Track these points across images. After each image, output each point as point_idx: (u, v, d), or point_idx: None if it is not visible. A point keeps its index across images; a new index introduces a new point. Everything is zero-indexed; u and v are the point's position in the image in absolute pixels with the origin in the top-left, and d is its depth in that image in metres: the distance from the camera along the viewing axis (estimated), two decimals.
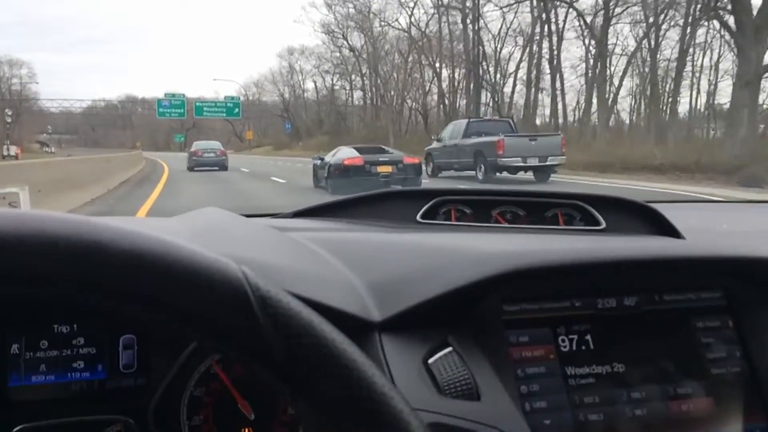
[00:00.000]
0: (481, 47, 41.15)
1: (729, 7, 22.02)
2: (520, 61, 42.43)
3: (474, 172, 17.20)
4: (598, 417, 0.75)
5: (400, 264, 0.85)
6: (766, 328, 0.86)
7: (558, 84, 37.17)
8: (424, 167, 15.75)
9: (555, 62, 37.06)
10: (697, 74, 36.64)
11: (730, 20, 22.43)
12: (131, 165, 25.99)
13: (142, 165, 31.09)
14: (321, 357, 0.45)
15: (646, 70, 35.08)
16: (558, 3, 35.28)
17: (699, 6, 28.02)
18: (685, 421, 0.78)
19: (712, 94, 36.33)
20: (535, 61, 39.51)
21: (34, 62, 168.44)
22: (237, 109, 66.97)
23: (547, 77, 38.66)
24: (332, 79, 70.96)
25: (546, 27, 36.84)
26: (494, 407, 0.68)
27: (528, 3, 37.21)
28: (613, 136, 30.95)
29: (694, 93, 37.18)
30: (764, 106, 27.77)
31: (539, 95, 39.97)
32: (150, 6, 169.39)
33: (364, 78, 58.96)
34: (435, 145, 19.43)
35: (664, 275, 0.86)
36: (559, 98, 37.24)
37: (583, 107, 36.50)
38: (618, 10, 33.81)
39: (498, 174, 16.66)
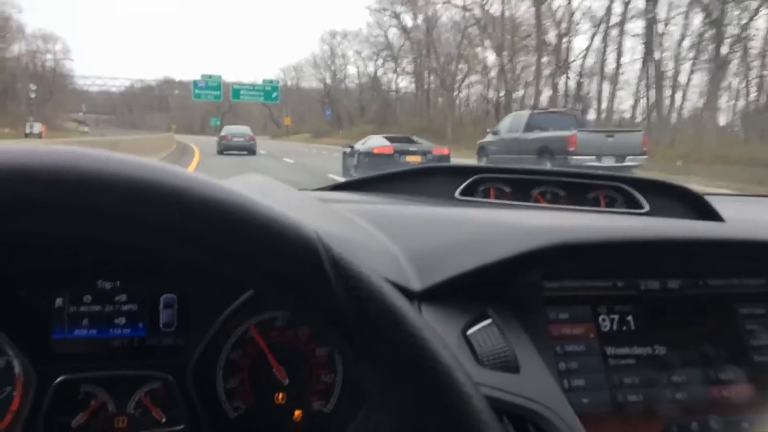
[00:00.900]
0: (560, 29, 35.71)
1: None
2: (588, 49, 37.01)
3: None
4: (638, 398, 0.74)
5: (441, 235, 0.84)
6: None
7: (652, 71, 31.58)
8: (477, 162, 14.89)
9: (648, 46, 31.50)
10: None
11: None
12: (159, 149, 24.97)
13: (170, 149, 29.96)
14: (389, 322, 0.45)
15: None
16: None
17: None
18: (726, 407, 0.76)
19: None
20: (616, 47, 34.03)
21: (70, 39, 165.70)
22: (275, 93, 62.57)
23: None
24: (376, 65, 66.04)
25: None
26: (534, 381, 0.66)
27: None
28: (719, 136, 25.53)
29: None
30: None
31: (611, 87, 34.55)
32: None
33: (418, 61, 53.51)
34: (490, 138, 17.01)
35: (708, 259, 0.84)
36: (647, 90, 31.75)
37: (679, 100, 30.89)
38: None
39: None
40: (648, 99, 32.53)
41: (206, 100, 64.76)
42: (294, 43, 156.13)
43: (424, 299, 0.70)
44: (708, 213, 1.26)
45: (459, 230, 0.87)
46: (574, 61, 37.88)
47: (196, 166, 18.91)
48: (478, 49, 45.67)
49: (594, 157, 13.76)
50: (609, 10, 34.17)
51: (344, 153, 15.14)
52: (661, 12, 31.85)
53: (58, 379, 0.76)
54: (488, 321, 0.68)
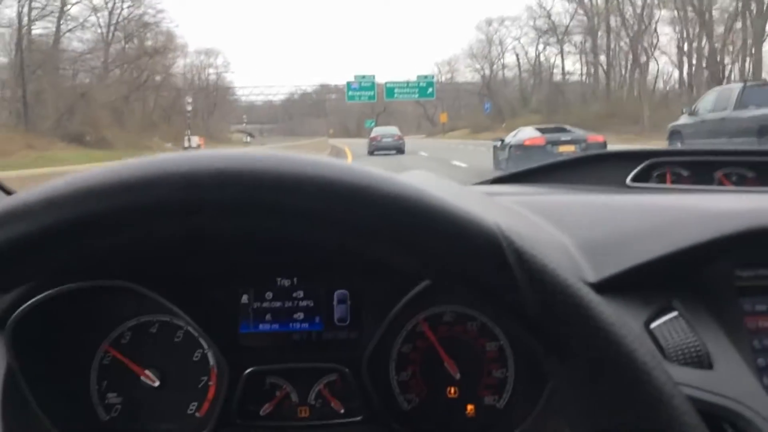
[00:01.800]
0: None
1: None
2: None
3: None
4: None
5: (614, 224, 0.79)
6: None
7: None
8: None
9: None
10: None
11: None
12: (314, 153, 24.22)
13: (325, 152, 28.18)
14: (577, 316, 0.43)
15: None
16: None
17: None
18: None
19: None
20: None
21: (230, 53, 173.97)
22: (431, 89, 58.42)
23: None
24: (537, 50, 59.58)
25: None
26: (730, 378, 0.61)
27: None
28: None
29: None
30: None
31: None
32: None
33: (599, 34, 46.56)
34: (685, 120, 14.54)
35: None
36: None
37: None
38: None
39: None
40: None
41: (360, 101, 62.10)
42: (447, 36, 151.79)
43: (602, 291, 0.63)
44: None
45: (634, 218, 0.81)
46: None
47: None
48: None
49: None
50: None
51: (494, 147, 14.66)
52: None
53: (248, 371, 0.81)
54: (674, 313, 0.63)
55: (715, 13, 33.43)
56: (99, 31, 44.49)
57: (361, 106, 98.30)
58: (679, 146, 13.61)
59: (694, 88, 29.59)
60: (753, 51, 30.90)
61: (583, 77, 50.80)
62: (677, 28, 38.21)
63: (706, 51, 34.28)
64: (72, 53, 39.66)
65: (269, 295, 0.85)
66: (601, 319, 0.43)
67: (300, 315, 0.85)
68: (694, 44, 35.32)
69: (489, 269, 0.43)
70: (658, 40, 39.46)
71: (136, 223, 0.41)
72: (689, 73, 34.61)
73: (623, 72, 44.91)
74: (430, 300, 0.82)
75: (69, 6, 39.56)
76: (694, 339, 0.60)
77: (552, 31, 55.57)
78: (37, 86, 33.09)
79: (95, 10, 43.14)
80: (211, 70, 71.56)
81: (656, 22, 38.97)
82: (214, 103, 70.80)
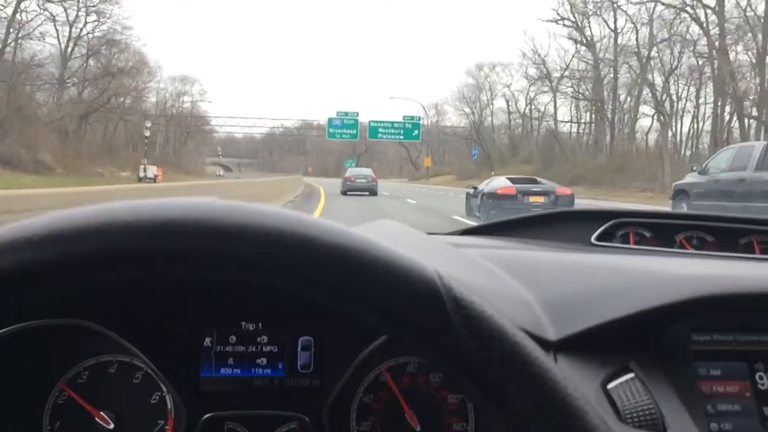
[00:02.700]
0: None
1: None
2: None
3: None
4: None
5: (578, 283, 0.79)
6: None
7: None
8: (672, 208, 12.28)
9: None
10: None
11: None
12: (283, 192, 23.35)
13: (295, 193, 26.08)
14: (514, 362, 0.44)
15: None
16: None
17: None
18: None
19: None
20: None
21: (212, 84, 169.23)
22: (416, 131, 54.48)
23: None
24: (527, 98, 56.13)
25: None
26: None
27: None
28: None
29: None
30: None
31: None
32: (331, 29, 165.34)
33: (601, 81, 42.83)
34: (692, 178, 13.13)
35: None
36: None
37: None
38: None
39: None
40: None
41: (342, 139, 57.73)
42: (434, 80, 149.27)
43: (561, 349, 0.65)
44: None
45: (597, 278, 0.81)
46: None
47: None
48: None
49: None
50: None
51: (467, 194, 15.09)
52: None
53: (206, 416, 0.78)
54: (631, 375, 0.63)
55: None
56: (57, 44, 39.79)
57: (342, 145, 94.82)
58: (684, 208, 12.57)
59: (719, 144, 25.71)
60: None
61: (582, 127, 47.02)
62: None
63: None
64: (19, 65, 34.68)
65: (233, 338, 0.82)
66: (537, 365, 0.44)
67: (263, 360, 0.82)
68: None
69: (428, 315, 0.44)
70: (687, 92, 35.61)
71: (75, 273, 0.41)
72: (714, 129, 30.73)
73: (628, 122, 41.20)
74: (394, 349, 0.80)
75: (21, 12, 34.91)
76: (649, 401, 0.60)
77: (546, 78, 52.15)
78: None
79: (54, 20, 38.50)
80: (186, 98, 66.71)
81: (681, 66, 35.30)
82: (187, 132, 65.71)
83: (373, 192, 27.26)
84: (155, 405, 0.81)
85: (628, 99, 40.74)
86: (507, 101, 59.70)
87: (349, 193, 27.13)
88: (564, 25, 43.37)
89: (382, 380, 0.81)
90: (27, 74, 35.39)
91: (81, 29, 41.38)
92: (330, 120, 53.93)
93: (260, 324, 0.83)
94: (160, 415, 0.81)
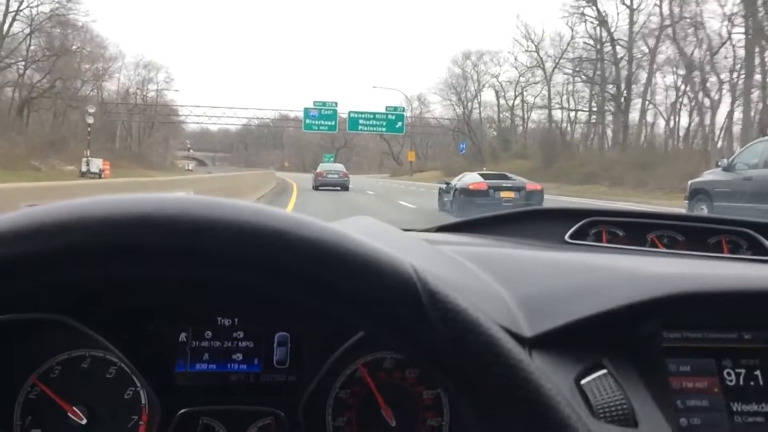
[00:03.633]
0: None
1: None
2: None
3: None
4: None
5: (552, 280, 0.80)
6: None
7: None
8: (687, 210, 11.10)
9: None
10: None
11: None
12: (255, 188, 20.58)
13: (265, 190, 22.86)
14: (488, 355, 0.44)
15: None
16: None
17: None
18: None
19: None
20: None
21: (182, 73, 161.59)
22: (400, 123, 49.62)
23: None
24: (517, 89, 51.58)
25: None
26: None
27: None
28: None
29: None
30: None
31: None
32: (308, 15, 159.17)
33: (621, 64, 38.00)
34: (714, 176, 11.21)
35: None
36: None
37: None
38: None
39: None
40: None
41: (319, 131, 52.53)
42: (418, 69, 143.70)
43: (535, 346, 0.66)
44: None
45: (570, 275, 0.82)
46: None
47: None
48: None
49: None
50: None
51: (440, 189, 15.20)
52: None
53: (180, 411, 0.78)
54: (603, 371, 0.64)
55: None
56: None
57: (320, 138, 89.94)
58: (704, 210, 10.75)
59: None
60: None
61: (591, 117, 42.21)
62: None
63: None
64: None
65: (208, 334, 0.81)
66: (511, 357, 0.44)
67: (239, 356, 0.81)
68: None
69: (403, 309, 0.44)
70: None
71: (45, 269, 0.41)
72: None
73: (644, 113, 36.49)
74: (371, 345, 0.80)
75: None
76: (621, 397, 0.61)
77: (539, 66, 47.60)
78: None
79: None
80: (151, 86, 60.84)
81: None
82: (152, 123, 59.87)
83: (344, 187, 27.02)
84: (129, 400, 0.80)
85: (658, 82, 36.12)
86: (496, 92, 55.10)
87: (321, 188, 26.55)
88: None
89: (359, 375, 0.81)
90: None
91: (21, 2, 35.67)
92: (306, 110, 48.78)
93: (236, 319, 0.81)
94: (134, 411, 0.80)
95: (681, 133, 34.62)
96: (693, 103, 32.37)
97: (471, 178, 13.90)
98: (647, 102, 35.71)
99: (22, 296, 0.45)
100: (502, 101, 55.00)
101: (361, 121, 49.49)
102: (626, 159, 29.02)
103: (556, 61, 44.00)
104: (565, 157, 34.76)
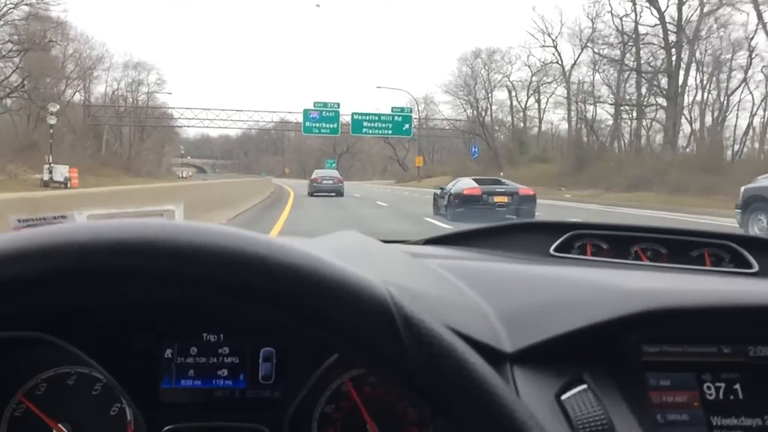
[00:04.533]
0: None
1: None
2: None
3: None
4: None
5: (535, 295, 0.80)
6: None
7: None
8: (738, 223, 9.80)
9: None
10: None
11: None
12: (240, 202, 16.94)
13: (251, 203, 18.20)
14: (463, 380, 0.44)
15: None
16: None
17: None
18: None
19: None
20: None
21: (175, 76, 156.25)
22: (407, 125, 45.29)
23: None
24: (530, 89, 47.22)
25: None
26: None
27: None
28: None
29: None
30: None
31: None
32: (309, 16, 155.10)
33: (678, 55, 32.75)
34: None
35: None
36: None
37: None
38: None
39: None
40: None
41: (320, 134, 48.03)
42: (420, 73, 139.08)
43: (516, 361, 0.66)
44: None
45: (553, 290, 0.82)
46: None
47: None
48: None
49: None
50: None
51: (435, 194, 15.31)
52: None
53: (166, 428, 0.76)
54: (583, 386, 0.63)
55: None
56: None
57: (321, 143, 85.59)
58: (763, 222, 9.04)
59: None
60: None
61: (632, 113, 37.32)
62: None
63: None
64: None
65: (194, 350, 0.80)
66: (485, 381, 0.44)
67: (224, 372, 0.80)
68: None
69: (378, 334, 0.44)
70: None
71: (27, 293, 0.42)
72: None
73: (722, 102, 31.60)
74: (353, 362, 0.78)
75: None
76: (601, 412, 0.60)
77: (557, 62, 43.15)
78: None
79: None
80: (142, 89, 56.37)
81: None
82: (142, 127, 55.40)
83: (339, 193, 26.68)
84: (114, 417, 0.79)
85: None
86: (509, 91, 50.62)
87: (316, 194, 26.21)
88: None
89: (344, 390, 0.80)
90: None
91: None
92: (306, 112, 44.41)
93: (222, 335, 0.81)
94: (120, 428, 0.79)
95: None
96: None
97: (465, 184, 13.94)
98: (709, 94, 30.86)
99: (4, 316, 0.45)
100: (514, 102, 50.65)
101: (365, 124, 45.09)
102: (691, 161, 24.39)
103: (585, 44, 39.45)
104: (601, 160, 30.20)
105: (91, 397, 0.79)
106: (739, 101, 31.95)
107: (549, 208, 16.81)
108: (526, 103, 50.38)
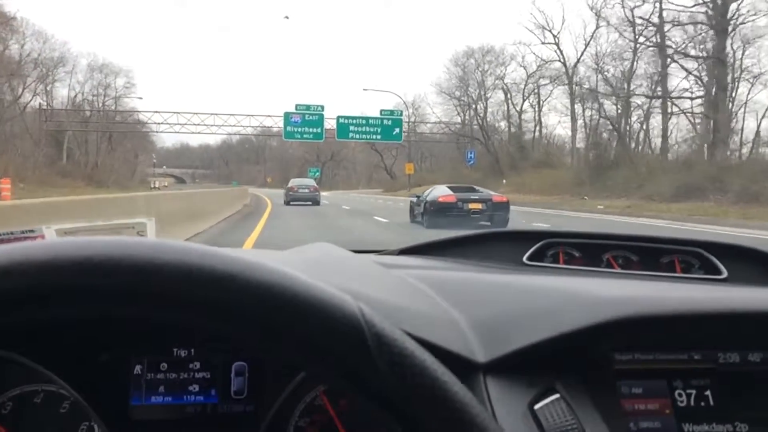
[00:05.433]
0: None
1: None
2: None
3: None
4: None
5: (507, 305, 0.80)
6: None
7: None
8: None
9: None
10: None
11: None
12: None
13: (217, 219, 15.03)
14: (434, 398, 0.44)
15: None
16: None
17: None
18: None
19: None
20: None
21: (147, 81, 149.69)
22: (398, 129, 41.12)
23: None
24: (524, 93, 43.36)
25: None
26: None
27: None
28: None
29: None
30: None
31: None
32: (291, 16, 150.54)
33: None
34: None
35: None
36: None
37: None
38: None
39: None
40: None
41: (303, 140, 43.50)
42: (408, 76, 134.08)
43: (489, 371, 0.65)
44: None
45: (526, 299, 0.82)
46: None
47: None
48: None
49: None
50: None
51: (411, 202, 15.60)
52: None
53: None
54: (556, 396, 0.63)
55: None
56: None
57: (304, 151, 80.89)
58: None
59: None
60: None
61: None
62: None
63: None
64: None
65: (164, 366, 0.78)
66: (457, 400, 0.44)
67: (195, 387, 0.78)
68: None
69: (350, 353, 0.43)
70: None
71: None
72: None
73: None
74: (324, 380, 0.77)
75: None
76: (573, 421, 0.60)
77: (559, 60, 39.21)
78: None
79: None
80: (110, 92, 51.40)
81: None
82: (109, 135, 50.43)
83: (315, 201, 26.96)
84: None
85: None
86: (506, 93, 46.63)
87: (292, 203, 26.42)
88: None
89: (318, 403, 0.78)
90: None
91: None
92: (287, 115, 39.97)
93: (192, 350, 0.78)
94: None
95: None
96: None
97: (440, 192, 14.22)
98: None
99: None
100: (509, 105, 46.65)
101: (352, 128, 40.78)
102: (758, 164, 20.16)
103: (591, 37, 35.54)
104: (626, 164, 26.01)
105: (59, 415, 0.77)
106: None
107: (595, 224, 13.13)
108: (521, 106, 46.48)
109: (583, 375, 0.67)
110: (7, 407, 0.76)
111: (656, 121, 31.50)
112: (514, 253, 1.29)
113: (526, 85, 45.61)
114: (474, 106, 47.50)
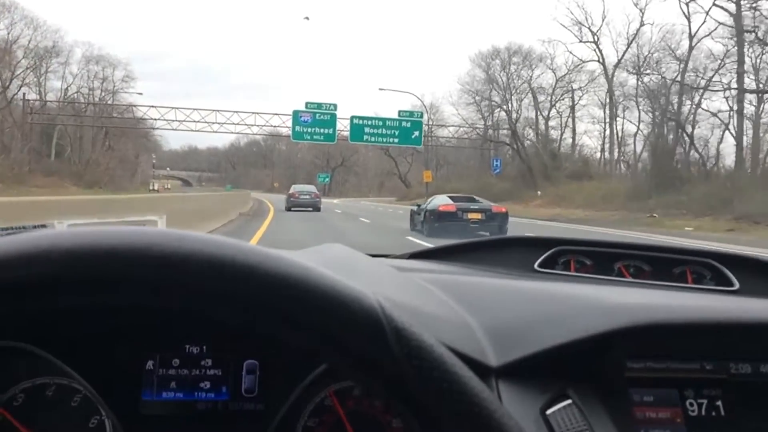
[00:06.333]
0: None
1: None
2: None
3: None
4: None
5: (520, 310, 0.80)
6: None
7: None
8: None
9: None
10: None
11: None
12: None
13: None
14: (453, 392, 0.43)
15: None
16: None
17: None
18: None
19: None
20: None
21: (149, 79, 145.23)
22: (417, 132, 36.69)
23: None
24: (553, 98, 38.96)
25: None
26: None
27: None
28: None
29: None
30: None
31: None
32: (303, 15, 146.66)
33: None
34: None
35: None
36: None
37: None
38: None
39: None
40: None
41: (312, 141, 39.06)
42: (424, 78, 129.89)
43: (501, 376, 0.65)
44: None
45: (539, 305, 0.82)
46: None
47: None
48: None
49: None
50: None
51: (412, 211, 15.75)
52: None
53: None
54: (568, 401, 0.63)
55: None
56: None
57: (314, 155, 76.89)
58: None
59: None
60: None
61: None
62: None
63: None
64: None
65: (176, 362, 0.78)
66: (475, 395, 0.44)
67: (206, 384, 0.78)
68: None
69: (369, 345, 0.43)
70: None
71: (7, 301, 0.41)
72: None
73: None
74: (340, 373, 0.76)
75: None
76: (585, 427, 0.60)
77: (597, 60, 34.84)
78: None
79: None
80: (107, 86, 47.27)
81: None
82: (105, 131, 46.26)
83: (316, 208, 27.44)
84: (94, 429, 0.76)
85: None
86: (535, 97, 42.19)
87: (293, 209, 26.93)
88: None
89: (328, 404, 0.78)
90: None
91: None
92: (296, 114, 35.65)
93: (205, 347, 0.79)
94: None
95: None
96: None
97: (441, 201, 14.34)
98: None
99: None
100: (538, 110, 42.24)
101: (367, 130, 36.35)
102: None
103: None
104: (701, 177, 21.47)
105: (70, 408, 0.76)
106: None
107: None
108: (549, 112, 42.10)
109: (596, 382, 0.67)
110: (19, 399, 0.76)
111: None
112: (525, 259, 1.28)
113: (554, 89, 41.31)
114: (506, 106, 43.02)
